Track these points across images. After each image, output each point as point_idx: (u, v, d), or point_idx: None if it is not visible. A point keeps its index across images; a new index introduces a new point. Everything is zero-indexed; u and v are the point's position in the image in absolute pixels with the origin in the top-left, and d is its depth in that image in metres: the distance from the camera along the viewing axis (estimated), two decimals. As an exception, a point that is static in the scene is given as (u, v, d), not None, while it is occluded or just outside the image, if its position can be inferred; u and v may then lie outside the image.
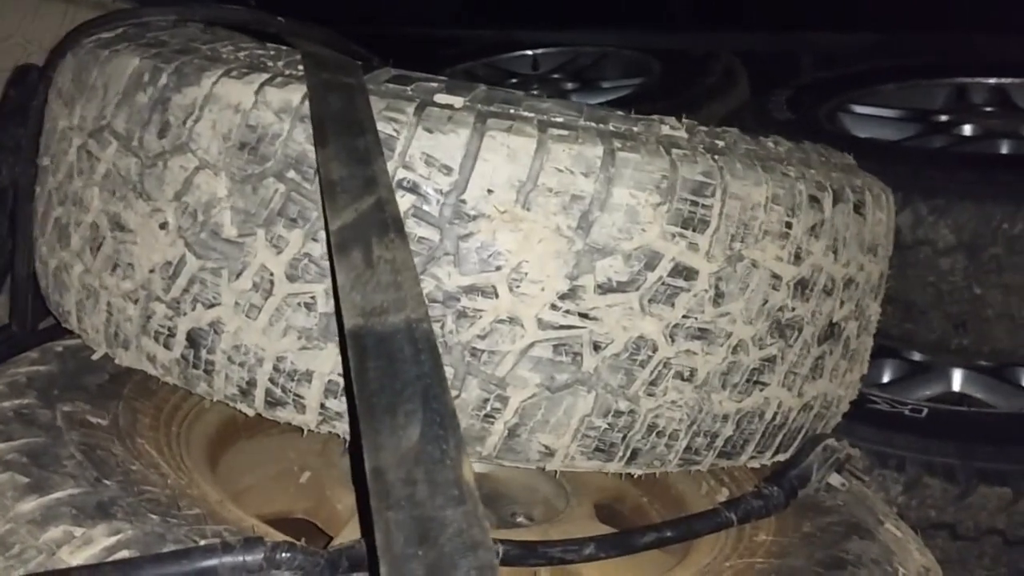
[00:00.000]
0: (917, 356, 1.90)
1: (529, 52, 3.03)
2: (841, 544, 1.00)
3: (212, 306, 0.91)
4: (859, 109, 2.23)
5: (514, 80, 2.87)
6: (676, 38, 2.80)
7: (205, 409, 1.12)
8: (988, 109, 2.24)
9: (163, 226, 0.93)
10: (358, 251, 0.66)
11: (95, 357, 1.03)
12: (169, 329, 0.94)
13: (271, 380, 0.91)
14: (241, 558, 0.68)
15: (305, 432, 0.94)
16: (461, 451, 0.51)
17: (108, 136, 0.98)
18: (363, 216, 0.69)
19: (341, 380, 0.88)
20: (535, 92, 2.75)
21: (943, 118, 2.20)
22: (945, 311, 1.66)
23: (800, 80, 2.38)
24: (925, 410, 1.62)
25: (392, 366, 0.55)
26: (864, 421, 1.55)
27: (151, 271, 0.94)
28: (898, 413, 1.61)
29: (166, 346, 0.94)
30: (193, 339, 0.92)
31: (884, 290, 1.17)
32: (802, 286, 0.98)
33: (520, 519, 1.25)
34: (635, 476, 1.00)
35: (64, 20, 1.66)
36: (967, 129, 2.16)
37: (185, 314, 0.92)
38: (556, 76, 2.90)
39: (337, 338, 0.87)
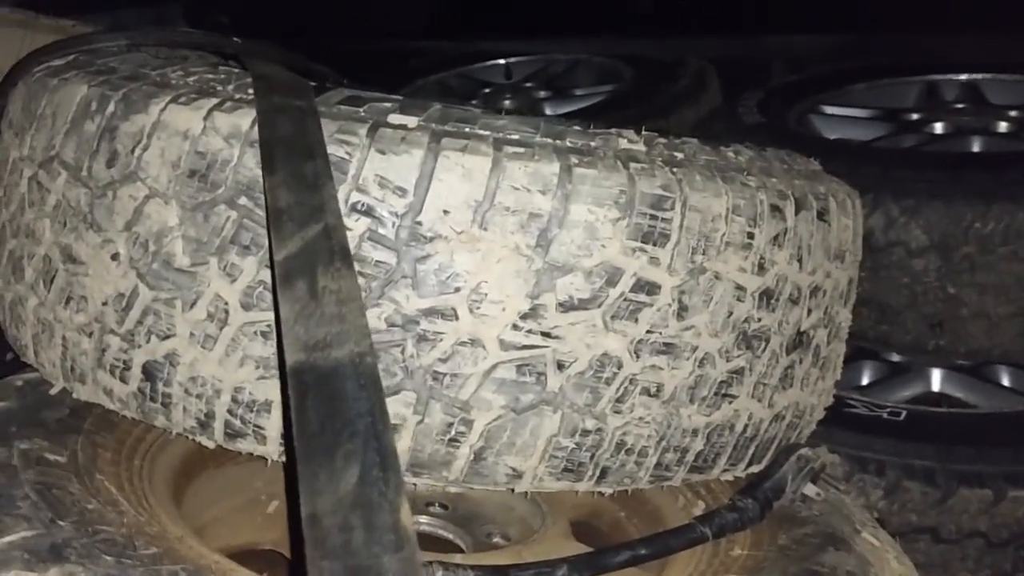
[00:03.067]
0: (895, 357, 1.89)
1: (502, 61, 3.02)
2: (816, 556, 0.99)
3: (167, 337, 0.89)
4: (830, 110, 2.23)
5: (487, 90, 2.86)
6: (647, 44, 2.80)
7: (170, 440, 1.10)
8: (960, 106, 2.24)
9: (115, 257, 0.91)
10: (303, 282, 0.64)
11: (53, 392, 1.01)
12: (124, 362, 0.92)
13: (230, 411, 0.89)
14: (195, 600, 0.66)
15: (268, 461, 0.92)
16: (400, 494, 0.49)
17: (57, 167, 0.96)
18: (309, 245, 0.67)
19: (301, 409, 0.87)
20: (507, 100, 2.75)
21: (914, 116, 2.20)
22: (920, 312, 1.66)
23: (770, 83, 2.38)
24: (904, 412, 1.62)
25: (333, 404, 0.54)
26: (842, 425, 1.54)
27: (104, 303, 0.92)
28: (877, 416, 1.60)
29: (122, 379, 0.92)
30: (149, 372, 0.90)
31: (855, 295, 1.16)
32: (767, 296, 0.97)
33: (496, 539, 1.23)
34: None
35: (22, 46, 1.63)
36: (938, 127, 2.16)
37: (140, 346, 0.90)
38: (529, 85, 2.89)
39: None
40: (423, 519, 1.25)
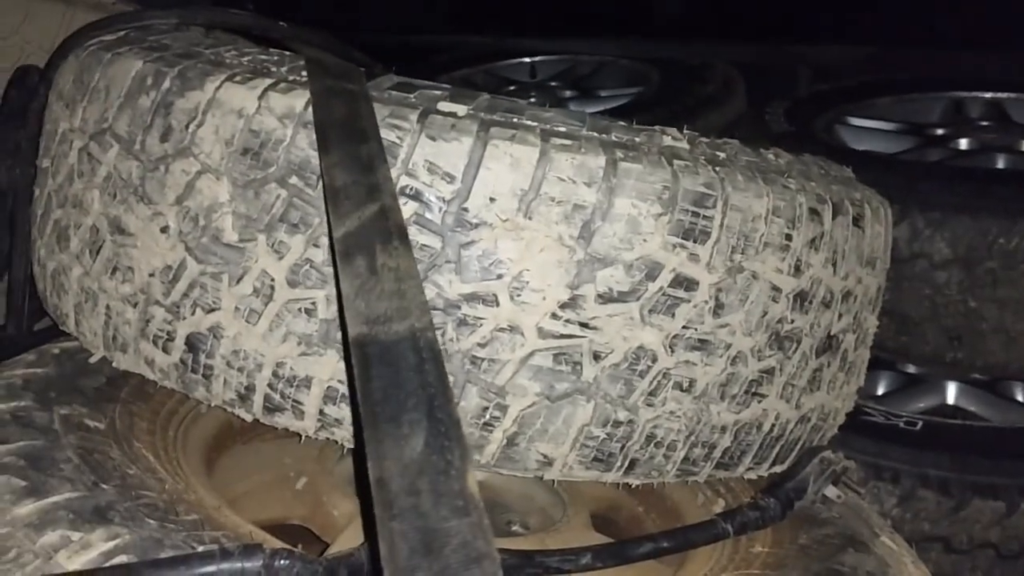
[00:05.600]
0: (912, 369, 1.90)
1: (527, 60, 3.03)
2: (836, 557, 1.00)
3: (212, 311, 0.91)
4: (856, 122, 2.24)
5: (512, 87, 2.87)
6: (674, 48, 2.81)
7: (202, 413, 1.12)
8: (984, 123, 2.25)
9: (164, 230, 0.93)
10: (362, 259, 0.66)
11: (92, 360, 1.03)
12: (168, 333, 0.93)
13: (270, 386, 0.90)
14: (240, 564, 0.68)
15: (302, 438, 0.94)
16: (466, 461, 0.51)
17: (110, 139, 0.98)
18: (367, 223, 0.69)
19: (340, 387, 0.88)
20: (533, 100, 2.77)
21: (939, 131, 2.21)
22: (940, 324, 1.67)
23: (798, 92, 2.39)
24: (920, 423, 1.63)
25: (396, 375, 0.55)
26: (859, 433, 1.55)
27: (151, 275, 0.94)
28: (893, 425, 1.61)
29: (165, 350, 0.94)
30: (192, 344, 0.92)
31: (881, 303, 1.17)
32: (801, 298, 0.98)
33: (516, 528, 1.24)
34: (632, 486, 1.00)
35: (63, 21, 1.65)
36: (963, 143, 2.17)
37: (184, 318, 0.92)
38: (554, 84, 2.90)
39: (337, 344, 0.87)
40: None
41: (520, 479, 1.14)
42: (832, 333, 1.04)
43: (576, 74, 2.93)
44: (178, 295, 0.92)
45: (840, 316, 1.04)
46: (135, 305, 0.95)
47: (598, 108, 2.67)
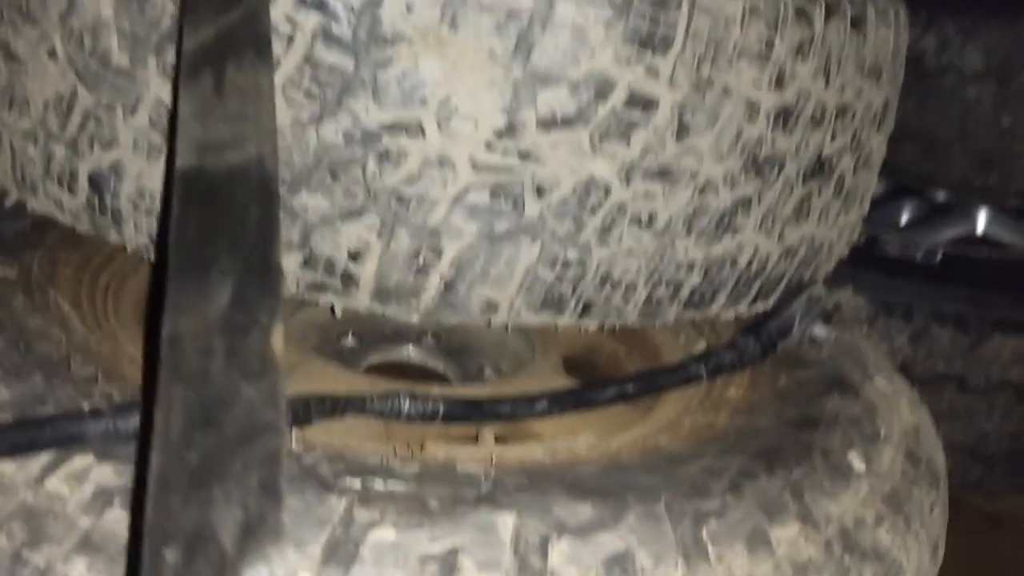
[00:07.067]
0: (940, 196, 1.76)
1: None
2: (816, 401, 0.92)
3: (110, 146, 0.81)
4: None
5: None
6: None
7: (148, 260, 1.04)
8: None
9: (52, 54, 0.82)
10: (209, 75, 0.55)
11: (8, 203, 0.95)
12: (71, 172, 0.85)
13: (182, 228, 0.82)
14: (111, 424, 0.61)
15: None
16: (275, 318, 0.42)
17: (-11, -50, 0.86)
18: (224, 33, 0.57)
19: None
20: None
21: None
22: (970, 146, 1.51)
23: None
24: (939, 254, 1.50)
25: (218, 215, 0.46)
26: (871, 267, 1.44)
27: (45, 107, 0.84)
28: (909, 258, 1.49)
29: (70, 191, 0.86)
30: (95, 183, 0.83)
31: (892, 121, 1.04)
32: (785, 116, 0.85)
33: (487, 372, 1.19)
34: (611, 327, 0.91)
35: None
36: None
37: (84, 156, 0.83)
38: None
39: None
40: (413, 350, 1.21)
41: (488, 322, 1.07)
42: (824, 155, 0.91)
43: None
44: (74, 129, 0.83)
45: (834, 135, 0.91)
46: (36, 142, 0.86)
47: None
